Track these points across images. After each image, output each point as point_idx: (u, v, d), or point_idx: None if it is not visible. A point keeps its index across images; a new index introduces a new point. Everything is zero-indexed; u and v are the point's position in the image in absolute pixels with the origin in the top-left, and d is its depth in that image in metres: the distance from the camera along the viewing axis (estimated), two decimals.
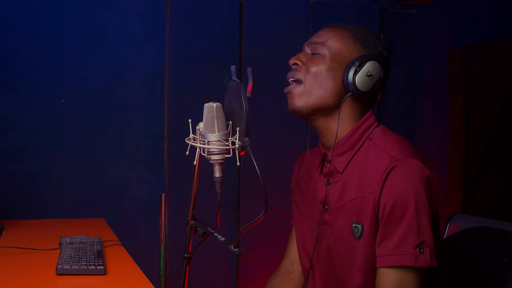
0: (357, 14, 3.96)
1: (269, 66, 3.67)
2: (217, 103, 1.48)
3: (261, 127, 3.61)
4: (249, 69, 3.64)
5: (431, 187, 1.60)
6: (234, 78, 3.47)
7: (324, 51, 1.76)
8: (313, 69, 1.75)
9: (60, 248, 2.07)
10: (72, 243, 2.07)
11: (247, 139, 1.44)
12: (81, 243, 2.07)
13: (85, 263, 1.79)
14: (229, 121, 1.50)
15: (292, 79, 1.78)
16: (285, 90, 1.80)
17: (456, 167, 3.89)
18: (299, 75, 1.77)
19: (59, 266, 1.75)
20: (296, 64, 1.79)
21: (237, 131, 1.45)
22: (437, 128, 4.10)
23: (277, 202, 3.43)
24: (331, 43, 1.77)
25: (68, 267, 1.75)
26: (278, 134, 3.69)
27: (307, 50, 1.81)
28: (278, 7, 3.78)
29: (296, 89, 1.76)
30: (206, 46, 3.62)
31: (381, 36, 1.81)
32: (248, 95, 3.57)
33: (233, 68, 3.63)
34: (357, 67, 1.71)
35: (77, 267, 1.75)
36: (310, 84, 1.75)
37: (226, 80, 3.52)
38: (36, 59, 3.36)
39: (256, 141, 1.63)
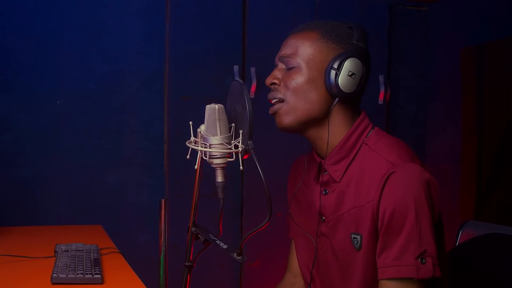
0: (365, 12, 3.96)
1: (273, 66, 3.66)
2: (219, 105, 1.48)
3: (265, 130, 3.59)
4: (252, 69, 3.64)
5: (431, 192, 1.58)
6: (237, 78, 3.48)
7: (297, 62, 1.74)
8: (292, 85, 1.73)
9: (55, 256, 2.07)
10: (68, 251, 2.06)
11: (250, 142, 1.44)
12: (77, 251, 2.07)
13: (82, 271, 1.78)
14: (231, 124, 1.50)
15: (274, 100, 1.77)
16: (270, 111, 1.79)
17: (469, 172, 3.88)
18: (279, 95, 1.75)
19: (54, 274, 1.75)
20: (274, 83, 1.78)
21: (240, 134, 1.45)
22: (448, 131, 4.10)
23: (282, 208, 3.38)
24: (302, 51, 1.74)
25: (64, 276, 1.75)
26: (283, 137, 3.64)
27: (281, 65, 1.80)
28: (283, 5, 3.78)
29: (281, 108, 1.75)
30: (208, 45, 3.62)
31: (352, 26, 1.77)
32: (252, 96, 3.57)
33: (236, 68, 3.63)
34: (337, 70, 1.69)
35: (73, 276, 1.75)
36: (293, 100, 1.73)
37: (229, 80, 3.52)
38: (30, 58, 3.37)
39: (260, 144, 1.62)
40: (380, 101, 3.92)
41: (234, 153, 1.47)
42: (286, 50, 1.77)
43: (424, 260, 1.53)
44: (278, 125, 1.78)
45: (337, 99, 1.72)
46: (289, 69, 1.76)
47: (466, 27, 3.96)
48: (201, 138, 1.48)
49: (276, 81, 1.77)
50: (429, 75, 4.22)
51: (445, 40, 4.13)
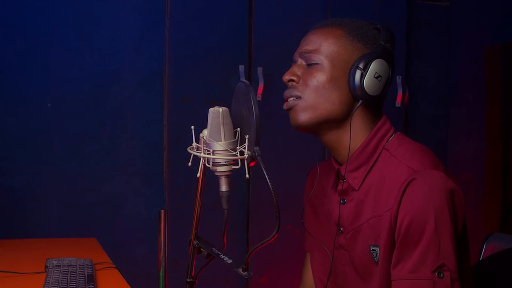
0: (381, 7, 3.96)
1: (281, 65, 3.63)
2: (224, 108, 1.48)
3: (273, 135, 3.62)
4: (259, 69, 3.65)
5: (455, 202, 1.58)
6: (243, 79, 3.48)
7: (320, 59, 1.73)
8: (313, 83, 1.72)
9: (46, 271, 2.07)
10: (59, 266, 2.07)
11: (257, 148, 1.44)
12: (70, 266, 2.08)
13: None
14: (237, 128, 1.50)
15: (290, 99, 1.76)
16: (285, 107, 1.78)
17: (494, 179, 3.88)
18: (297, 93, 1.75)
19: None
20: (292, 80, 1.77)
21: (246, 139, 1.45)
22: (472, 135, 4.09)
23: (291, 220, 3.41)
24: (326, 47, 1.74)
25: None
26: (293, 142, 3.68)
27: (300, 61, 1.79)
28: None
29: (297, 104, 1.74)
30: (211, 44, 3.63)
31: (379, 26, 1.78)
32: (259, 98, 3.58)
33: (241, 68, 3.64)
34: (363, 70, 1.69)
35: None
36: (312, 99, 1.72)
37: (234, 81, 3.52)
38: (18, 57, 3.37)
39: (268, 151, 1.63)
40: (398, 103, 3.92)
41: (239, 160, 1.47)
42: (308, 45, 1.77)
43: (442, 274, 1.53)
44: (293, 122, 1.77)
45: (360, 101, 1.72)
46: (310, 65, 1.75)
47: (491, 24, 3.95)
48: (203, 144, 1.48)
49: (294, 78, 1.76)
50: (451, 76, 4.21)
51: (468, 38, 4.12)
